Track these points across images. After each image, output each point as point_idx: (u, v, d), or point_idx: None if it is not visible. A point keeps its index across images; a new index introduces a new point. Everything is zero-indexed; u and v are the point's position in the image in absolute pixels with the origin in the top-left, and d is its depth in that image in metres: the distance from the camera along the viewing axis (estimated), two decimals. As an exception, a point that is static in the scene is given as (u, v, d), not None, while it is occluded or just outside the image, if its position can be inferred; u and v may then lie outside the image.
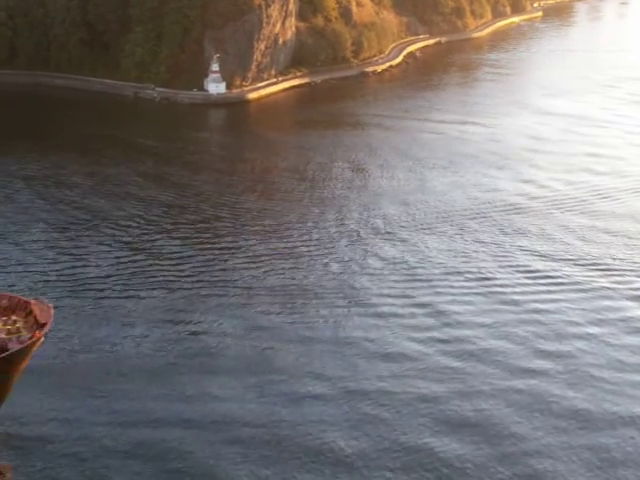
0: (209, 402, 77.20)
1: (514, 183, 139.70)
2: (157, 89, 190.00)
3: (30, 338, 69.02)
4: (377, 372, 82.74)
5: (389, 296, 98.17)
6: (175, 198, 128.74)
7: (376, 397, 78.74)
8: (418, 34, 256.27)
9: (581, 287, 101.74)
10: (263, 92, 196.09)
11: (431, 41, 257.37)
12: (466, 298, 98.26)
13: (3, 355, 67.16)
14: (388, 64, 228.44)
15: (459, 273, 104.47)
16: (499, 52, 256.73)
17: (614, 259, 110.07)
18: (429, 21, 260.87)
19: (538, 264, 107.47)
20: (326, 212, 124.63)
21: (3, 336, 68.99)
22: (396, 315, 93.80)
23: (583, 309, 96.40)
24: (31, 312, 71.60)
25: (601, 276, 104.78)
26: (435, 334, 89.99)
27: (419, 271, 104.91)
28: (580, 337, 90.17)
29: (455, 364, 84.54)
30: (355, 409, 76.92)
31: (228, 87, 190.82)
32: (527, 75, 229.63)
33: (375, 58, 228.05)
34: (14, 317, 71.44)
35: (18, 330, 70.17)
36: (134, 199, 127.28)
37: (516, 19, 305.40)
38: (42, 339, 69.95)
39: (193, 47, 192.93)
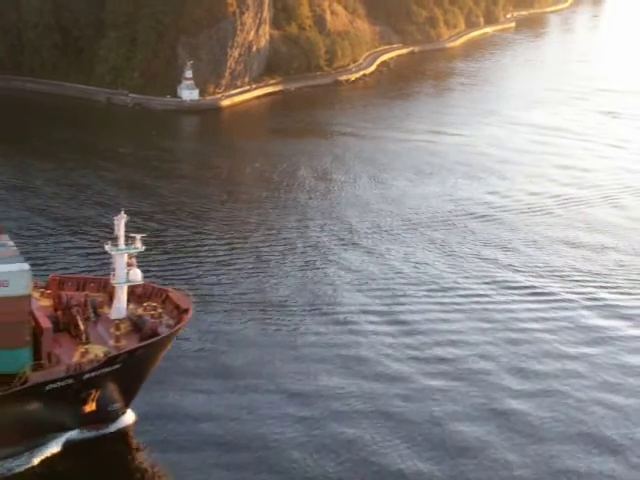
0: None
1: (482, 193, 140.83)
2: (130, 95, 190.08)
3: (177, 323, 70.91)
4: (349, 390, 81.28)
5: (355, 312, 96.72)
6: (142, 205, 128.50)
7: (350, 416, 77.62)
8: (392, 43, 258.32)
9: (547, 298, 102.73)
10: (236, 99, 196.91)
11: (404, 50, 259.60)
12: (431, 311, 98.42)
13: (156, 339, 69.10)
14: (361, 73, 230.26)
15: (422, 284, 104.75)
16: (472, 62, 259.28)
17: (578, 271, 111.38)
18: (403, 30, 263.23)
19: (506, 276, 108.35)
20: (290, 220, 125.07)
21: (153, 320, 70.85)
22: (365, 332, 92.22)
23: (561, 324, 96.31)
24: (167, 298, 73.59)
25: (565, 287, 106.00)
26: (406, 351, 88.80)
27: (383, 283, 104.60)
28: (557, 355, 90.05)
29: (432, 383, 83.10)
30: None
31: (201, 94, 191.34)
32: (499, 86, 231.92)
33: (349, 67, 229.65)
34: (152, 303, 73.24)
35: (160, 315, 71.96)
36: (100, 206, 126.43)
37: (489, 30, 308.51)
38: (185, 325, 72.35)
39: (167, 53, 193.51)
